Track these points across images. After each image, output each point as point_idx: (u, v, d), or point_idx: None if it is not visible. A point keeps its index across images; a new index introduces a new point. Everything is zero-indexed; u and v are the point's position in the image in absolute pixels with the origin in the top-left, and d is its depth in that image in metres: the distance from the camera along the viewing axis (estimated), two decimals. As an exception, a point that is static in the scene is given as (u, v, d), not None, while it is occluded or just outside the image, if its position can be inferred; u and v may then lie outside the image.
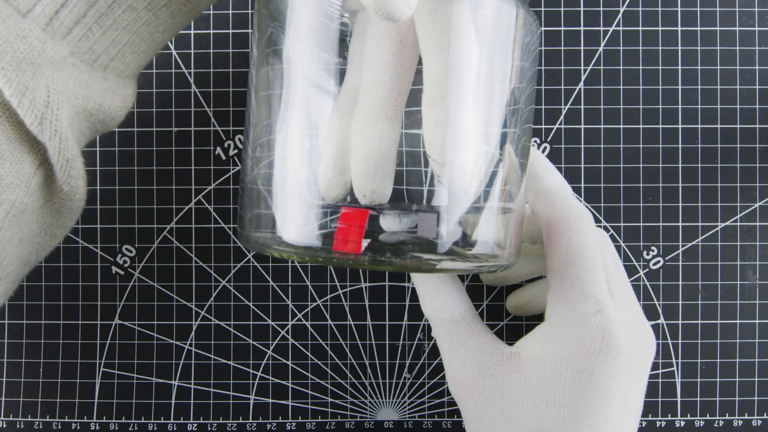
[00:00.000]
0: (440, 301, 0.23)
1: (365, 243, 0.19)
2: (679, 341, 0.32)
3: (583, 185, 0.32)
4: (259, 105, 0.21)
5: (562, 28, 0.32)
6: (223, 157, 0.33)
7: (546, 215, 0.23)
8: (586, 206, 0.33)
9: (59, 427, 0.33)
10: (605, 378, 0.20)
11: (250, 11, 0.33)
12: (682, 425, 0.33)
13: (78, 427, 0.33)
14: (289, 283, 0.33)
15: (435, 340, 0.24)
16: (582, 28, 0.32)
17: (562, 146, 0.32)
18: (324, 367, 0.33)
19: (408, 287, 0.33)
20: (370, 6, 0.15)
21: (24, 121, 0.17)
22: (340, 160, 0.19)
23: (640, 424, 0.33)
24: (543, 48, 0.32)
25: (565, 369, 0.20)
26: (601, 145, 0.32)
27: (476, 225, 0.20)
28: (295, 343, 0.33)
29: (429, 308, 0.23)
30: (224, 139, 0.32)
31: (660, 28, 0.32)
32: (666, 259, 0.33)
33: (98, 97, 0.20)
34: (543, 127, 0.33)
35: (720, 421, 0.32)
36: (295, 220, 0.19)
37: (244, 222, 0.22)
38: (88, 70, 0.19)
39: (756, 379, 0.32)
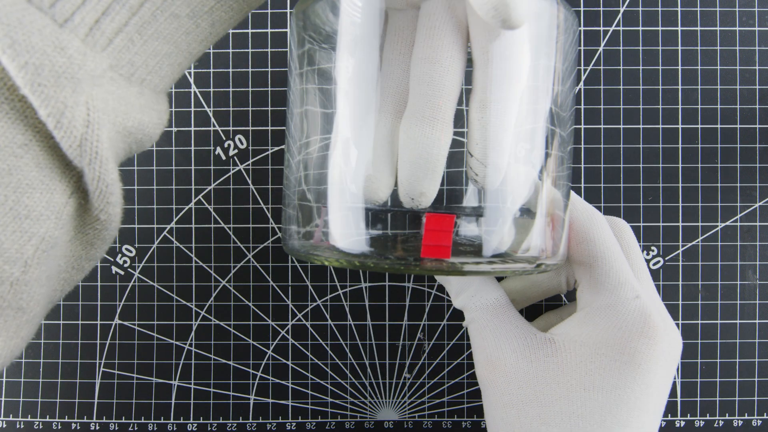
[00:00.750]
0: (474, 289, 0.23)
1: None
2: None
3: (583, 185, 0.32)
4: (304, 118, 0.21)
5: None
6: (223, 157, 0.33)
7: (569, 218, 0.23)
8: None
9: (59, 427, 0.33)
10: (646, 361, 0.21)
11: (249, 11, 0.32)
12: (682, 425, 0.33)
13: (78, 427, 0.33)
14: (289, 283, 0.33)
15: (466, 327, 0.25)
16: (582, 28, 0.32)
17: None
18: (324, 367, 0.33)
19: (408, 287, 0.33)
20: (488, 14, 0.15)
21: (61, 144, 0.16)
22: (386, 162, 0.18)
23: (640, 424, 0.33)
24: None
25: (606, 351, 0.21)
26: (601, 145, 0.32)
27: (522, 228, 0.20)
28: (295, 343, 0.33)
29: (463, 298, 0.24)
30: (224, 139, 0.32)
31: (660, 28, 0.32)
32: (666, 259, 0.33)
33: (137, 113, 0.18)
34: (543, 127, 0.33)
35: (720, 421, 0.32)
36: (346, 227, 0.19)
37: (290, 232, 0.22)
38: (126, 85, 0.17)
39: (756, 379, 0.32)
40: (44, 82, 0.15)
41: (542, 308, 0.33)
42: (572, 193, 0.23)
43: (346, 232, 0.19)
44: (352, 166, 0.19)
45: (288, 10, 0.33)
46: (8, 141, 0.15)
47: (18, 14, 0.14)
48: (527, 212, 0.20)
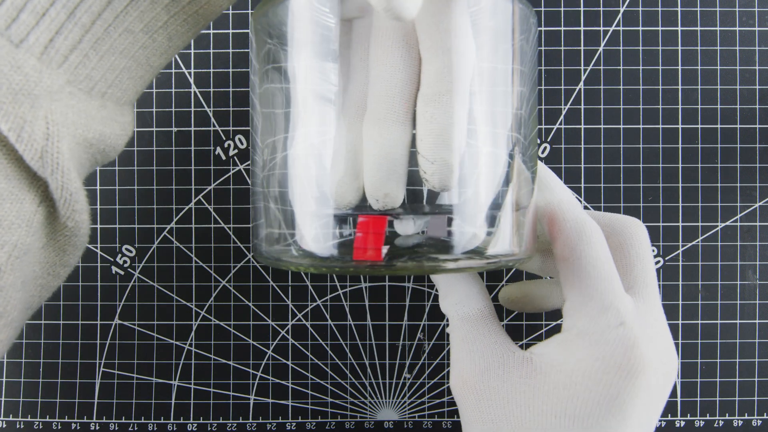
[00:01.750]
0: (458, 296, 0.23)
1: (385, 250, 0.19)
2: (679, 341, 0.32)
3: (583, 185, 0.32)
4: (265, 120, 0.21)
5: (562, 28, 0.32)
6: (223, 157, 0.33)
7: (556, 228, 0.22)
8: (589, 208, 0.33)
9: (59, 427, 0.33)
10: (625, 396, 0.19)
11: (250, 11, 0.33)
12: (682, 425, 0.33)
13: (78, 427, 0.33)
14: (289, 283, 0.33)
15: (448, 337, 0.25)
16: (582, 28, 0.32)
17: (562, 146, 0.32)
18: (324, 367, 0.33)
19: (408, 287, 0.33)
20: (379, 6, 0.15)
21: (23, 156, 0.17)
22: (351, 166, 0.19)
23: (640, 424, 0.33)
24: (543, 48, 0.32)
25: (582, 381, 0.20)
26: (601, 145, 0.32)
27: (490, 224, 0.20)
28: (295, 343, 0.33)
29: (447, 303, 0.23)
30: (224, 139, 0.32)
31: (660, 28, 0.32)
32: (666, 259, 0.33)
33: (98, 125, 0.19)
34: (543, 127, 0.33)
35: (720, 421, 0.32)
36: (309, 232, 0.19)
37: (258, 237, 0.22)
38: (86, 99, 0.18)
39: (756, 379, 0.32)
40: (3, 99, 0.16)
41: (523, 329, 0.33)
42: (569, 206, 0.22)
43: (312, 236, 0.19)
44: (320, 170, 0.19)
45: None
46: None
47: None
48: (496, 208, 0.20)
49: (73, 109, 0.18)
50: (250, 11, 0.32)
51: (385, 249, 0.19)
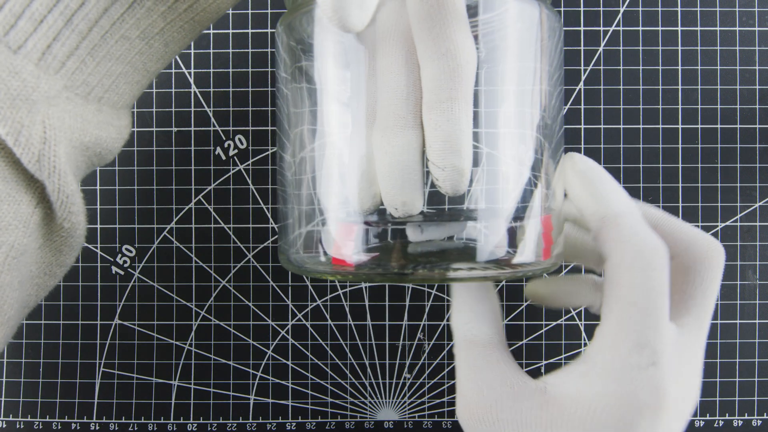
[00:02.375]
0: (470, 316, 0.21)
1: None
2: (679, 341, 0.32)
3: (583, 185, 0.32)
4: (293, 125, 0.21)
5: (562, 28, 0.32)
6: (223, 157, 0.33)
7: (611, 246, 0.20)
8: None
9: (59, 427, 0.33)
10: None
11: (249, 11, 0.32)
12: (682, 425, 0.33)
13: (78, 427, 0.33)
14: (289, 283, 0.33)
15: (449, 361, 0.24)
16: (582, 28, 0.32)
17: (562, 146, 0.32)
18: (324, 367, 0.33)
19: (408, 287, 0.33)
20: (325, 15, 0.16)
21: (21, 159, 0.17)
22: (367, 173, 0.19)
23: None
24: (543, 48, 0.32)
25: (602, 417, 0.19)
26: (601, 145, 0.32)
27: (514, 231, 0.19)
28: (295, 343, 0.33)
29: (456, 321, 0.22)
30: (224, 139, 0.32)
31: (660, 28, 0.32)
32: (666, 259, 0.33)
33: (94, 129, 0.19)
34: (543, 127, 0.33)
35: (720, 421, 0.32)
36: (340, 241, 0.19)
37: (286, 243, 0.21)
38: (83, 103, 0.19)
39: (756, 379, 0.32)
40: (1, 104, 0.16)
41: (523, 329, 0.33)
42: (628, 221, 0.20)
43: (340, 245, 0.19)
44: (344, 179, 0.19)
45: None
46: None
47: None
48: (521, 215, 0.19)
49: (70, 113, 0.18)
50: (250, 11, 0.32)
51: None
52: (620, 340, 0.19)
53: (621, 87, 0.32)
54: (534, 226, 0.20)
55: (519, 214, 0.19)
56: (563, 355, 0.32)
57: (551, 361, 0.32)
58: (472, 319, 0.21)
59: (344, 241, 0.19)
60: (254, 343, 0.33)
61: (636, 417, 0.19)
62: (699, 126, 0.32)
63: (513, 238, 0.19)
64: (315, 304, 0.33)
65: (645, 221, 0.20)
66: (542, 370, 0.32)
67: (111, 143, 0.20)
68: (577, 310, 0.33)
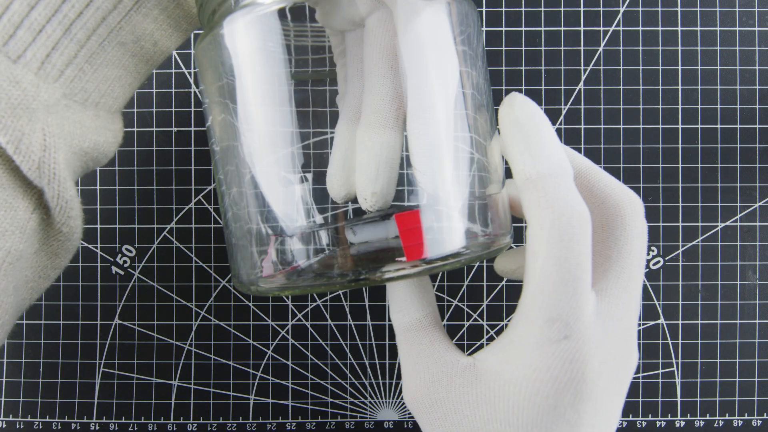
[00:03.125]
0: (401, 304, 0.22)
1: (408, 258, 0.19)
2: (679, 341, 0.32)
3: (583, 185, 0.32)
4: (226, 150, 0.21)
5: (562, 28, 0.32)
6: (223, 157, 0.33)
7: (531, 212, 0.19)
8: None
9: (59, 427, 0.33)
10: (568, 409, 0.18)
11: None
12: (682, 425, 0.33)
13: (78, 427, 0.33)
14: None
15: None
16: (582, 28, 0.32)
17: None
18: (324, 367, 0.33)
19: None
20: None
21: (21, 167, 0.17)
22: (346, 164, 0.20)
23: (641, 423, 0.33)
24: (543, 48, 0.32)
25: (520, 390, 0.19)
26: (601, 145, 0.32)
27: (458, 218, 0.19)
28: (295, 343, 0.33)
29: (391, 311, 0.22)
30: (224, 139, 0.33)
31: (660, 28, 0.32)
32: (666, 259, 0.33)
33: (92, 134, 0.20)
34: (543, 127, 0.33)
35: (720, 421, 0.32)
36: (284, 254, 0.20)
37: (236, 265, 0.21)
38: (81, 109, 0.19)
39: (756, 379, 0.32)
40: (1, 113, 0.17)
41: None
42: (553, 182, 0.18)
43: (278, 258, 0.20)
44: (287, 189, 0.20)
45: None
46: None
47: None
48: (460, 202, 0.19)
49: (69, 120, 0.18)
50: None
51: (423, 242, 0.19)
52: (533, 314, 0.18)
53: (621, 87, 0.32)
54: (473, 211, 0.19)
55: (458, 202, 0.19)
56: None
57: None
58: (403, 308, 0.21)
59: (284, 254, 0.19)
60: (254, 343, 0.33)
61: (554, 392, 0.18)
62: (699, 126, 0.32)
63: (440, 230, 0.19)
64: (315, 304, 0.33)
65: (572, 184, 0.19)
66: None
67: (107, 147, 0.21)
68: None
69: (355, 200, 0.20)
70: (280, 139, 0.19)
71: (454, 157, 0.19)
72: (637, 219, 0.20)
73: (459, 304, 0.33)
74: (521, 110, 0.19)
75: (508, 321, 0.33)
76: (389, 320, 0.33)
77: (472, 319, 0.33)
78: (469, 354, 0.21)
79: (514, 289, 0.33)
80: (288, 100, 0.19)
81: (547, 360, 0.18)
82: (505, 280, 0.33)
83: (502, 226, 0.21)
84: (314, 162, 0.20)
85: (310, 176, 0.20)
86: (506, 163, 0.20)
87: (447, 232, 0.19)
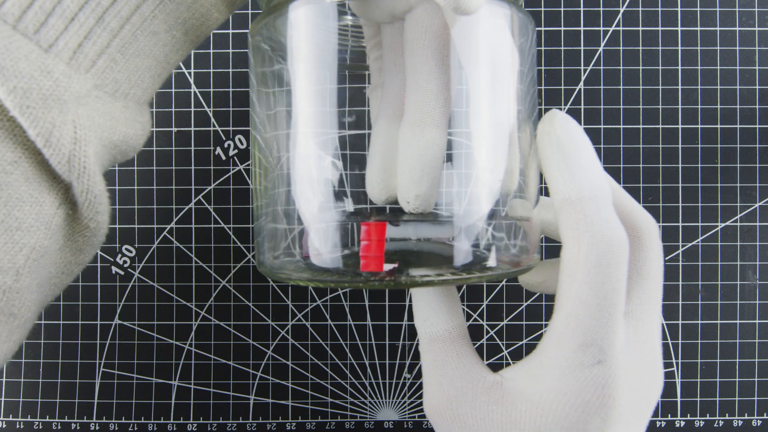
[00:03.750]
0: (428, 312, 0.21)
1: (389, 266, 0.18)
2: (679, 341, 0.32)
3: (583, 185, 0.32)
4: (269, 122, 0.21)
5: (562, 28, 0.32)
6: (223, 157, 0.33)
7: (568, 234, 0.18)
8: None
9: (59, 427, 0.33)
10: (592, 430, 0.18)
11: (250, 11, 0.33)
12: (682, 425, 0.33)
13: (78, 427, 0.33)
14: (289, 284, 0.33)
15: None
16: (582, 28, 0.32)
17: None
18: (324, 367, 0.33)
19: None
20: (447, 5, 0.16)
21: (49, 161, 0.17)
22: (386, 165, 0.19)
23: (640, 424, 0.33)
24: (543, 48, 0.32)
25: (548, 414, 0.18)
26: (601, 145, 0.32)
27: (492, 234, 0.19)
28: (295, 343, 0.33)
29: (417, 319, 0.22)
30: (224, 139, 0.32)
31: (660, 28, 0.32)
32: (666, 259, 0.33)
33: (122, 127, 0.19)
34: (543, 127, 0.33)
35: (720, 421, 0.32)
36: (321, 245, 0.19)
37: (262, 250, 0.21)
38: (111, 101, 0.18)
39: (756, 379, 0.32)
40: (32, 104, 0.16)
41: (523, 329, 0.33)
42: (590, 206, 0.18)
43: (321, 249, 0.19)
44: (321, 180, 0.19)
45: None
46: None
47: (4, 41, 0.15)
48: (496, 216, 0.19)
49: (99, 112, 0.18)
50: (250, 11, 0.32)
51: (389, 266, 0.18)
52: (566, 338, 0.18)
53: (621, 87, 0.32)
54: (508, 230, 0.20)
55: (493, 218, 0.19)
56: (563, 355, 0.32)
57: (551, 361, 0.32)
58: (431, 316, 0.21)
59: (324, 243, 0.19)
60: (254, 343, 0.33)
61: (583, 416, 0.18)
62: (699, 126, 0.32)
63: (487, 242, 0.19)
64: (315, 304, 0.33)
65: (612, 207, 0.18)
66: (542, 370, 0.32)
67: (136, 140, 0.20)
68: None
69: (395, 201, 0.19)
70: (328, 125, 0.19)
71: (506, 167, 0.19)
72: (656, 240, 0.20)
73: (459, 304, 0.33)
74: (562, 129, 0.19)
75: (508, 321, 0.33)
76: (389, 320, 0.33)
77: (472, 319, 0.33)
78: (495, 370, 0.21)
79: (514, 290, 0.33)
80: (336, 91, 0.19)
81: (579, 384, 0.18)
82: (504, 280, 0.33)
83: (533, 244, 0.21)
84: (355, 157, 0.20)
85: (346, 171, 0.20)
86: (542, 181, 0.20)
87: (478, 244, 0.19)
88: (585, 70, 0.32)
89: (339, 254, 0.19)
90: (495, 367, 0.21)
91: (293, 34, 0.19)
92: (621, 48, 0.32)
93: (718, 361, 0.32)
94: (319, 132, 0.19)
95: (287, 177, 0.20)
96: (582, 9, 0.32)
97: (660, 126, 0.32)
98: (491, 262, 0.19)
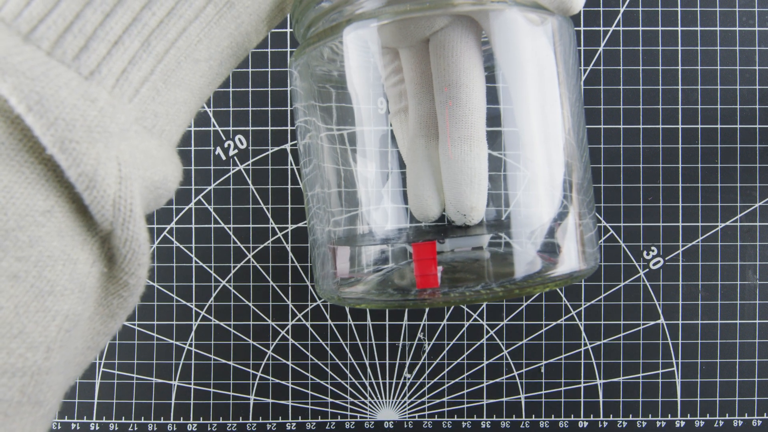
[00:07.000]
0: None
1: (438, 274, 0.19)
2: (679, 341, 0.32)
3: (583, 185, 0.32)
4: (323, 161, 0.21)
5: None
6: (223, 157, 0.33)
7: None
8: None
9: (59, 427, 0.33)
10: None
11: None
12: (682, 425, 0.33)
13: (78, 427, 0.33)
14: (289, 283, 0.33)
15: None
16: (582, 28, 0.32)
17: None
18: (324, 367, 0.33)
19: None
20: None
21: (90, 206, 0.14)
22: (430, 181, 0.20)
23: (641, 423, 0.33)
24: (543, 48, 0.32)
25: None
26: (601, 145, 0.32)
27: (552, 240, 0.20)
28: (295, 343, 0.33)
29: None
30: (224, 139, 0.32)
31: (660, 28, 0.32)
32: (666, 259, 0.33)
33: (161, 166, 0.16)
34: (543, 127, 0.33)
35: (720, 421, 0.32)
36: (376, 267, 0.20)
37: (322, 277, 0.22)
38: (148, 137, 0.16)
39: (756, 379, 0.32)
40: (76, 138, 0.13)
41: (523, 329, 0.33)
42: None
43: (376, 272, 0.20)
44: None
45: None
46: (30, 209, 0.14)
47: (41, 68, 0.13)
48: (555, 227, 0.20)
49: (138, 149, 0.15)
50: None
51: (438, 273, 0.19)
52: None
53: (621, 87, 0.32)
54: (571, 237, 0.20)
55: (552, 228, 0.20)
56: (563, 355, 0.32)
57: (551, 361, 0.32)
58: None
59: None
60: (254, 343, 0.33)
61: None
62: (699, 126, 0.32)
63: (549, 249, 0.20)
64: (315, 304, 0.33)
65: None
66: (542, 370, 0.32)
67: (173, 182, 0.17)
68: (577, 310, 0.33)
69: (441, 218, 0.20)
70: (388, 143, 0.20)
71: (562, 173, 0.20)
72: None
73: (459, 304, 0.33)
74: None
75: (508, 321, 0.33)
76: (389, 320, 0.33)
77: (472, 319, 0.33)
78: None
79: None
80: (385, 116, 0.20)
81: None
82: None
83: (590, 255, 0.21)
84: (397, 177, 0.21)
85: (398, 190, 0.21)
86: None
87: (527, 254, 0.19)
88: (585, 70, 0.32)
89: (391, 268, 0.20)
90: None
91: (348, 59, 0.19)
92: (621, 48, 0.32)
93: (718, 361, 0.32)
94: (382, 151, 0.20)
95: (338, 199, 0.20)
96: (582, 9, 0.32)
97: (660, 126, 0.32)
98: (563, 268, 0.20)
